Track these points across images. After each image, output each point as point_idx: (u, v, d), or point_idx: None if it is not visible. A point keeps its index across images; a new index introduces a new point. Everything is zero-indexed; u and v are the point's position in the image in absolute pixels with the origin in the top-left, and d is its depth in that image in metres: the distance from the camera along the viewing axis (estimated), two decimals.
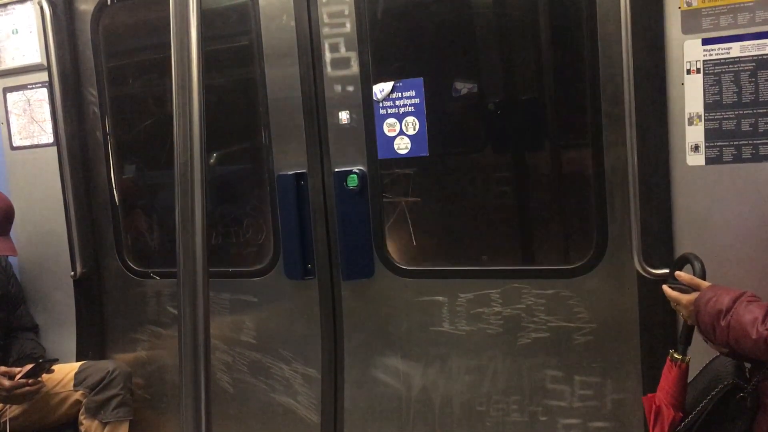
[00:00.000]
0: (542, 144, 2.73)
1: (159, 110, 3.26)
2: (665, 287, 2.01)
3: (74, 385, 3.12)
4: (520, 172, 2.80)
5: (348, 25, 2.78)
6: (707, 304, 1.82)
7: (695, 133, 2.27)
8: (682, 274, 1.97)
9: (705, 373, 1.97)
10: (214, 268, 3.07)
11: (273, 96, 2.94)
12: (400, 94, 2.74)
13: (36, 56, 3.29)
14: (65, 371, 3.15)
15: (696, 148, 2.27)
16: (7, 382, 2.87)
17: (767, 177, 2.18)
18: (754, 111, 2.19)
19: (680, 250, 2.28)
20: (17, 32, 3.33)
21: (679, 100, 2.28)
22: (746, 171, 2.21)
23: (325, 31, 2.82)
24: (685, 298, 1.91)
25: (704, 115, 2.25)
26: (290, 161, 2.93)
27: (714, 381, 1.89)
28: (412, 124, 2.73)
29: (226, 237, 3.20)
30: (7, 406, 2.97)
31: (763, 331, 1.69)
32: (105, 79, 3.29)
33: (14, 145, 3.43)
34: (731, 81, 2.21)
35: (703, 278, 1.95)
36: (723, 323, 1.77)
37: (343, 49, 2.81)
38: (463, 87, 2.74)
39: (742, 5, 2.17)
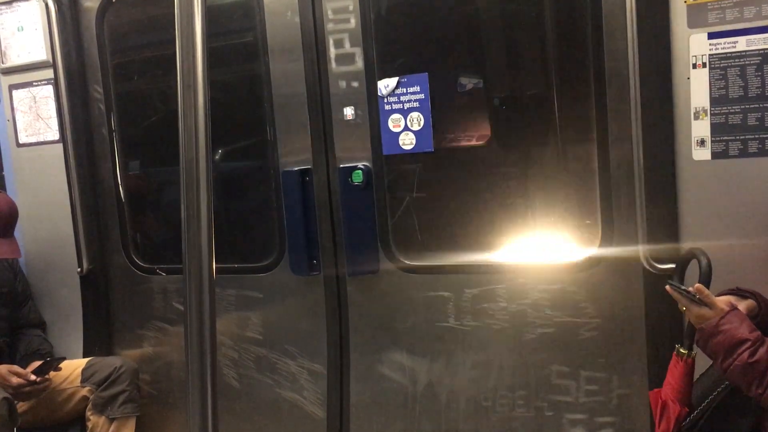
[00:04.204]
0: (548, 139, 2.73)
1: (164, 107, 3.26)
2: (669, 288, 1.92)
3: (81, 382, 3.13)
4: (526, 167, 2.79)
5: (352, 21, 2.78)
6: (710, 339, 1.80)
7: (701, 128, 2.26)
8: (702, 289, 1.84)
9: (713, 369, 1.96)
10: (220, 264, 3.08)
11: (278, 92, 2.94)
12: (404, 90, 2.74)
13: (41, 53, 3.30)
14: (72, 368, 3.17)
15: (702, 142, 2.27)
16: (14, 380, 2.89)
17: None
18: (761, 105, 2.18)
19: (686, 245, 2.27)
20: (23, 29, 3.33)
21: (685, 94, 2.27)
22: (752, 165, 2.21)
23: (330, 26, 2.82)
24: (695, 311, 1.84)
25: (710, 110, 2.24)
26: (295, 157, 2.94)
27: (721, 377, 1.89)
28: (417, 120, 2.73)
29: (231, 233, 3.21)
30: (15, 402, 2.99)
31: (757, 392, 1.72)
32: (110, 75, 3.30)
33: (20, 142, 3.44)
34: (737, 75, 2.20)
35: (709, 273, 1.92)
36: (723, 366, 1.78)
37: (347, 45, 2.80)
38: (468, 82, 2.73)
39: None
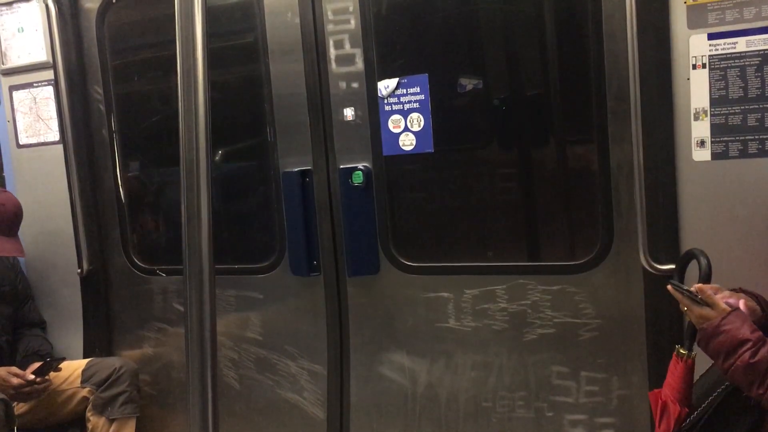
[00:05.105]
0: (548, 140, 2.73)
1: (164, 107, 3.26)
2: (671, 288, 1.92)
3: (81, 382, 3.13)
4: (526, 168, 2.79)
5: (352, 22, 2.78)
6: (711, 339, 1.79)
7: (701, 129, 2.26)
8: (704, 289, 1.84)
9: (713, 370, 1.96)
10: (220, 264, 3.08)
11: (278, 93, 2.94)
12: (404, 91, 2.74)
13: (42, 54, 3.30)
14: (72, 368, 3.17)
15: (702, 143, 2.27)
16: (15, 380, 2.89)
17: None
18: (760, 106, 2.18)
19: (686, 245, 2.27)
20: (23, 30, 3.33)
21: (685, 95, 2.27)
22: (752, 166, 2.21)
23: (330, 27, 2.82)
24: (697, 311, 1.84)
25: (710, 111, 2.24)
26: (295, 158, 2.94)
27: (722, 377, 1.89)
28: (417, 121, 2.73)
29: (231, 234, 3.21)
30: (15, 403, 2.99)
31: (758, 393, 1.72)
32: (110, 76, 3.30)
33: (20, 143, 3.44)
34: (737, 76, 2.20)
35: (709, 274, 1.92)
36: (724, 366, 1.77)
37: (347, 46, 2.80)
38: (467, 83, 2.73)
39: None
